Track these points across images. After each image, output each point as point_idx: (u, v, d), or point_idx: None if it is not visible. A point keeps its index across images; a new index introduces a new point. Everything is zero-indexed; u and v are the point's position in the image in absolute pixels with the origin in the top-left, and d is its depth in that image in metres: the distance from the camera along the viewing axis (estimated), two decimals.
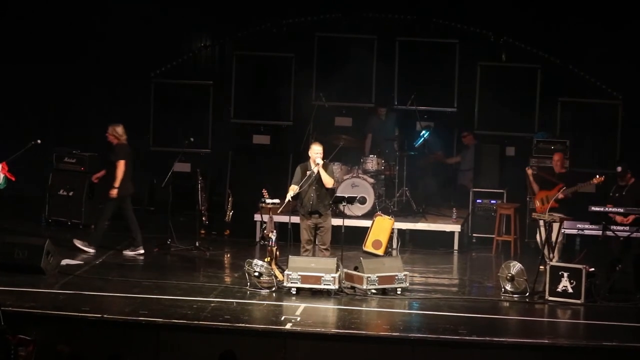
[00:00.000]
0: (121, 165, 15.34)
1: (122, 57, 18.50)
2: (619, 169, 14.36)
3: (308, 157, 14.29)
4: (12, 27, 18.62)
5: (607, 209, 14.02)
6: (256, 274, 13.67)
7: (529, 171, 15.65)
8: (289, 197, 13.91)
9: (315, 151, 14.03)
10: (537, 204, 15.20)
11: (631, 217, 13.87)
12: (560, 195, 14.67)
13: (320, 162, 13.92)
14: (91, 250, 15.44)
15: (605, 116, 17.88)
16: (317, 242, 14.13)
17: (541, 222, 14.60)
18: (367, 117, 18.21)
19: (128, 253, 15.47)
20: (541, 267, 14.14)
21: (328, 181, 13.96)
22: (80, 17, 18.44)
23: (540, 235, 14.87)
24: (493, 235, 17.03)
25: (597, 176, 14.52)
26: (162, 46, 18.74)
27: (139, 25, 18.21)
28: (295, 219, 14.40)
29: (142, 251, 15.51)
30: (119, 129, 15.54)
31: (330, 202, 14.15)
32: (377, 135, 17.91)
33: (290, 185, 14.11)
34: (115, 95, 18.74)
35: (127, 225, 15.57)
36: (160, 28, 18.35)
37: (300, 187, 13.88)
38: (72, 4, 18.28)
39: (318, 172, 13.91)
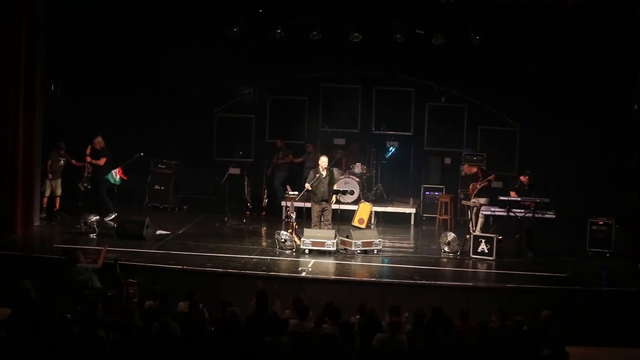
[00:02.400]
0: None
1: (196, 98, 18.24)
2: (528, 177, 14.18)
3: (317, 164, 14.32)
4: (120, 71, 17.04)
5: (510, 198, 13.99)
6: (282, 240, 13.71)
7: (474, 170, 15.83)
8: (307, 187, 13.95)
9: (323, 161, 14.07)
10: (470, 189, 15.20)
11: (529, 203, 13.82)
12: (477, 186, 14.74)
13: (324, 172, 13.97)
14: (113, 215, 15.18)
15: (508, 138, 17.82)
16: (322, 220, 14.14)
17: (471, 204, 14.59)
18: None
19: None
20: (467, 235, 14.15)
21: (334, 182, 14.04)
22: (167, 68, 17.00)
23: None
24: (436, 215, 17.01)
25: (492, 175, 14.76)
26: (221, 91, 18.61)
27: (207, 77, 17.88)
28: (308, 205, 14.40)
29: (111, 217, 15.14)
30: (99, 139, 15.44)
31: (331, 194, 14.17)
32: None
33: (305, 183, 14.19)
34: (191, 123, 18.52)
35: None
36: (221, 79, 18.18)
37: (312, 185, 13.94)
38: (159, 60, 16.93)
39: (325, 174, 13.96)
